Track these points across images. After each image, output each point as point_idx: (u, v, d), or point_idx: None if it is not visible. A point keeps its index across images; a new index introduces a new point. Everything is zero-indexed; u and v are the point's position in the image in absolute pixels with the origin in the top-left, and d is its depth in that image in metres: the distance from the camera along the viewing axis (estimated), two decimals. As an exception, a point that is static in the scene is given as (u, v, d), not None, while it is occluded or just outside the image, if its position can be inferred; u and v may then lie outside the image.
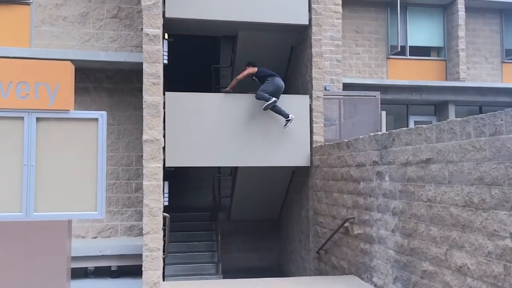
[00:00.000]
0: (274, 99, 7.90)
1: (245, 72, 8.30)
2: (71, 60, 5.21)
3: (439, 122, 4.80)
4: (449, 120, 4.67)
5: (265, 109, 7.96)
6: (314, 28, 8.56)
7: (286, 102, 8.69)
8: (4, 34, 8.34)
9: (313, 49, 8.53)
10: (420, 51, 14.72)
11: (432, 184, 4.83)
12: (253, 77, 8.34)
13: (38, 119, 4.95)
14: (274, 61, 10.11)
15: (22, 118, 4.92)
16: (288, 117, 8.07)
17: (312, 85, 8.55)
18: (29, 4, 8.44)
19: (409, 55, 14.50)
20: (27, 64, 5.11)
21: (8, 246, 4.78)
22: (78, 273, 7.69)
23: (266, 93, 8.00)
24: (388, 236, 5.73)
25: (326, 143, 8.20)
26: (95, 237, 8.64)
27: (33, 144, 4.92)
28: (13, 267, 4.78)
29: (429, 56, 14.92)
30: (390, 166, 5.70)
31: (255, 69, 8.30)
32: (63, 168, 5.04)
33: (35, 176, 4.92)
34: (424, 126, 5.08)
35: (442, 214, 4.65)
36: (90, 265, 7.99)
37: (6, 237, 4.79)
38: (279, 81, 8.17)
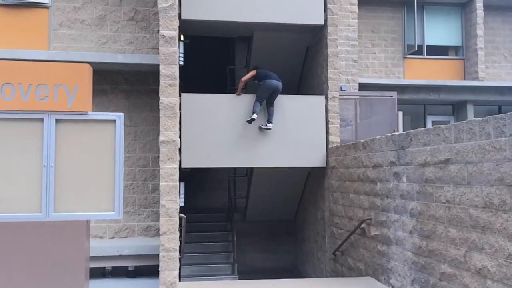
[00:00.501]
0: (254, 116, 7.97)
1: (248, 75, 8.43)
2: (89, 63, 5.28)
3: (458, 122, 4.73)
4: (468, 120, 4.60)
5: (248, 122, 8.02)
6: (329, 28, 8.52)
7: (302, 102, 8.67)
8: (24, 37, 8.50)
9: (328, 49, 8.49)
10: (437, 50, 14.52)
11: (451, 185, 4.76)
12: (254, 80, 8.40)
13: (57, 120, 5.02)
14: (289, 62, 10.09)
15: (42, 120, 4.99)
16: (270, 123, 8.18)
17: (327, 85, 8.51)
18: (48, 8, 8.59)
19: (427, 55, 14.32)
20: (46, 66, 5.19)
21: (28, 246, 4.86)
22: (96, 273, 7.78)
23: (259, 100, 8.06)
24: (405, 237, 5.67)
25: (342, 144, 8.15)
26: (113, 237, 8.73)
27: (52, 145, 5.00)
28: (33, 266, 4.85)
29: (447, 55, 14.72)
30: (408, 167, 5.64)
31: (255, 71, 8.39)
32: (81, 169, 5.11)
33: (55, 177, 4.99)
34: (442, 126, 5.01)
35: (461, 215, 4.58)
36: (108, 265, 8.07)
37: (26, 236, 4.87)
38: (271, 82, 8.13)
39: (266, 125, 8.16)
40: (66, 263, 4.91)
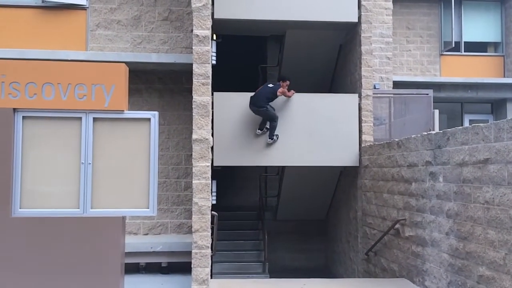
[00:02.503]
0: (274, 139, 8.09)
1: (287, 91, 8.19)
2: (125, 62, 5.40)
3: (498, 121, 4.58)
4: (509, 118, 4.44)
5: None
6: (363, 26, 8.39)
7: (334, 101, 8.59)
8: (62, 39, 8.77)
9: (362, 47, 8.37)
10: (475, 47, 14.08)
11: (490, 185, 4.60)
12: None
13: (94, 119, 5.16)
14: (322, 60, 10.01)
15: (80, 118, 5.14)
16: (272, 138, 8.11)
17: (361, 83, 8.39)
18: (85, 9, 8.83)
19: (464, 51, 13.89)
20: (84, 66, 5.34)
21: (66, 241, 5.02)
22: (130, 268, 7.94)
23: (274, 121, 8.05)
24: (442, 239, 5.53)
25: (376, 143, 8.02)
26: (146, 234, 8.90)
27: (90, 143, 5.13)
28: (71, 260, 5.01)
29: (486, 52, 14.24)
30: (445, 167, 5.49)
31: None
32: (117, 166, 5.23)
33: (92, 174, 5.13)
34: (481, 125, 4.85)
35: (501, 216, 4.43)
36: (142, 261, 8.23)
37: (64, 231, 5.03)
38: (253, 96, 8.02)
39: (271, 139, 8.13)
40: (102, 258, 5.04)
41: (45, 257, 4.97)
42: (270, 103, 8.01)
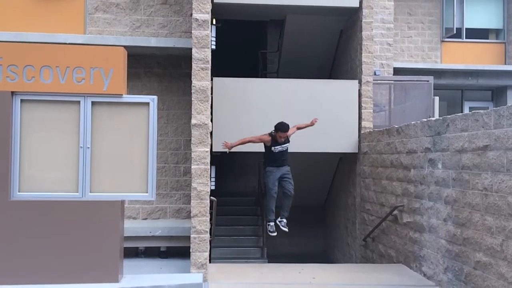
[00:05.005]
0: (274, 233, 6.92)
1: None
2: (123, 46, 5.35)
3: (498, 108, 4.56)
4: (509, 105, 4.42)
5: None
6: (364, 11, 8.31)
7: (334, 87, 8.55)
8: (61, 22, 8.66)
9: (363, 33, 8.29)
10: (477, 34, 13.96)
11: (489, 172, 4.61)
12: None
13: (93, 103, 5.14)
14: (322, 46, 9.93)
15: (79, 102, 5.12)
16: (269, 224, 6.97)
17: (361, 69, 8.34)
18: (84, -8, 8.71)
19: (466, 38, 13.79)
20: (83, 49, 5.30)
21: (65, 224, 5.04)
22: (129, 252, 7.97)
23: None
24: (439, 225, 5.55)
25: (375, 129, 8.01)
26: (145, 219, 8.93)
27: (88, 127, 5.12)
28: (69, 244, 5.03)
29: (487, 38, 14.14)
30: (444, 153, 5.49)
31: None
32: (116, 150, 5.23)
33: (91, 158, 5.12)
34: (481, 111, 4.84)
35: (499, 203, 4.44)
36: (141, 245, 8.26)
37: (63, 215, 5.04)
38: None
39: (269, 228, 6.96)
40: (102, 242, 5.06)
41: (44, 240, 4.99)
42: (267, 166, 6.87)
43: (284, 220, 6.90)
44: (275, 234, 6.88)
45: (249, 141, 6.80)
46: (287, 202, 6.87)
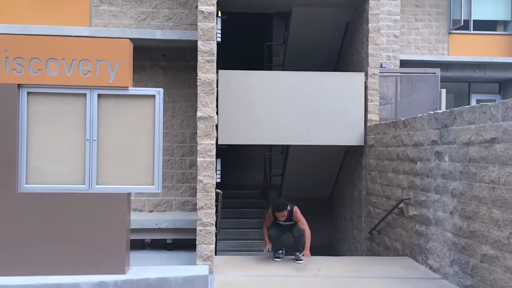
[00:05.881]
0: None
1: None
2: (129, 39, 5.33)
3: (506, 100, 4.52)
4: (517, 97, 4.38)
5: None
6: (371, 2, 8.24)
7: (340, 79, 8.50)
8: (66, 14, 8.67)
9: (369, 24, 8.23)
10: (485, 26, 13.82)
11: (496, 165, 4.58)
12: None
13: (99, 95, 5.14)
14: (328, 38, 9.87)
15: (85, 94, 5.13)
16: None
17: (367, 62, 8.28)
18: (89, -15, 8.70)
19: (473, 30, 13.66)
20: (89, 42, 5.30)
21: (72, 216, 5.06)
22: (135, 245, 8.02)
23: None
24: (446, 218, 5.53)
25: (381, 122, 7.97)
26: (151, 211, 8.96)
27: (94, 120, 5.13)
28: (77, 236, 5.06)
29: (495, 30, 14.00)
30: (451, 146, 5.46)
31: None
32: (122, 143, 5.23)
33: (97, 150, 5.14)
34: (489, 103, 4.80)
35: (506, 196, 4.41)
36: (147, 237, 8.30)
37: (70, 207, 5.07)
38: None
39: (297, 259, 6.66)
40: (108, 234, 5.09)
41: (51, 232, 5.02)
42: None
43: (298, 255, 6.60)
44: (279, 260, 6.66)
45: (265, 229, 6.78)
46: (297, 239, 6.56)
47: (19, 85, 5.01)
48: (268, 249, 6.69)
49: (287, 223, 6.64)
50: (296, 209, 6.61)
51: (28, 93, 5.05)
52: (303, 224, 6.54)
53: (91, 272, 5.01)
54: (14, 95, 4.97)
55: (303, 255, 6.41)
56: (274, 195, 10.78)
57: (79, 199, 5.08)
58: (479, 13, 13.69)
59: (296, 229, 6.58)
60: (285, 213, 6.51)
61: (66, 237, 5.04)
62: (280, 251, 6.75)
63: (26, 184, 5.05)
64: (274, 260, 6.66)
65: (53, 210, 5.03)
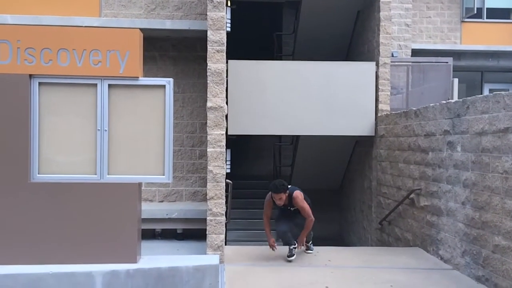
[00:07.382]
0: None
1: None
2: (139, 29, 5.32)
3: (520, 89, 4.45)
4: (532, 86, 4.30)
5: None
6: (382, -10, 8.14)
7: (351, 69, 8.43)
8: (77, 5, 8.68)
9: (381, 13, 8.13)
10: (498, 14, 13.58)
11: (510, 154, 4.52)
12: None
13: (110, 86, 5.15)
14: (339, 27, 9.78)
15: (95, 85, 5.14)
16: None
17: (379, 51, 8.20)
18: (99, -25, 8.69)
19: (486, 18, 13.43)
20: (99, 32, 5.29)
21: (84, 206, 5.11)
22: (146, 234, 8.08)
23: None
24: (457, 208, 5.49)
25: (392, 112, 7.90)
26: (162, 201, 9.02)
27: (105, 110, 5.15)
28: (89, 225, 5.11)
29: (509, 18, 13.75)
30: (463, 136, 5.40)
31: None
32: (133, 133, 5.25)
33: (108, 140, 5.16)
34: (503, 93, 4.73)
35: (520, 187, 4.36)
36: (157, 227, 8.36)
37: (82, 197, 5.11)
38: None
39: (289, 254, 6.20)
40: (120, 223, 5.13)
41: (63, 221, 5.08)
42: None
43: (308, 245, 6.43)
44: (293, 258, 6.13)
45: (266, 219, 6.37)
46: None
47: (30, 76, 5.03)
48: (273, 243, 6.23)
49: (291, 209, 6.08)
50: (297, 193, 5.94)
51: (40, 83, 5.07)
52: (305, 211, 5.94)
53: (103, 261, 5.06)
54: (26, 85, 5.00)
55: (296, 245, 6.07)
56: (284, 185, 10.77)
57: (90, 189, 5.12)
58: (493, 0, 13.45)
59: (302, 217, 6.07)
60: (283, 196, 5.86)
61: (78, 226, 5.09)
62: (293, 247, 6.12)
63: (38, 174, 5.10)
64: (288, 259, 6.05)
65: (65, 200, 5.08)
